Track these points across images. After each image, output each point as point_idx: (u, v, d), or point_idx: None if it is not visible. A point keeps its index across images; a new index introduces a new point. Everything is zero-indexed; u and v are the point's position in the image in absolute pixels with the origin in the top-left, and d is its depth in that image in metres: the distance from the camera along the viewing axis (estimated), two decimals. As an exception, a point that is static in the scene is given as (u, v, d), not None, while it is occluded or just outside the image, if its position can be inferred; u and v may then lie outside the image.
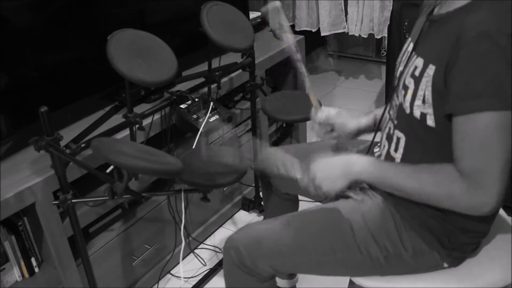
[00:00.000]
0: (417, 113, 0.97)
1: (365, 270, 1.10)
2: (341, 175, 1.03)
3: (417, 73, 0.96)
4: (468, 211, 0.92)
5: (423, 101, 0.95)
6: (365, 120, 1.26)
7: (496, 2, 0.86)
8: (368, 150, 1.24)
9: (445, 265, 1.07)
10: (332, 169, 1.05)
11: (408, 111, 0.99)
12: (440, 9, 0.99)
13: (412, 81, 0.97)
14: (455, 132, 0.89)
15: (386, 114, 1.14)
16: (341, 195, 1.07)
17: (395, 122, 1.07)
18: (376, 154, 1.16)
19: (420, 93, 0.95)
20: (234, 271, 1.18)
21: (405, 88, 1.00)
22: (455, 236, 1.03)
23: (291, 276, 1.60)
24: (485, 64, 0.82)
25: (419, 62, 0.97)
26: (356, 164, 1.03)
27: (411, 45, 1.06)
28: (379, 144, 1.17)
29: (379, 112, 1.24)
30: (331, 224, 1.10)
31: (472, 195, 0.88)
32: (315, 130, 1.27)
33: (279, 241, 1.13)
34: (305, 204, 1.52)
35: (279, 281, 1.58)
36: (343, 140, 1.27)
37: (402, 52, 1.10)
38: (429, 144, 0.99)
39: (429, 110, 0.94)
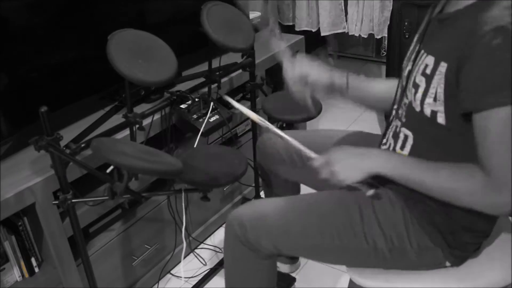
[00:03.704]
0: (427, 111, 0.97)
1: (367, 261, 1.09)
2: (360, 167, 1.02)
3: (428, 71, 0.96)
4: (488, 209, 0.91)
5: (435, 99, 0.94)
6: (338, 75, 1.23)
7: None
8: (380, 143, 1.24)
9: (448, 263, 1.07)
10: (352, 160, 1.03)
11: (418, 109, 0.99)
12: (449, 8, 0.99)
13: (423, 79, 0.97)
14: (476, 129, 0.88)
15: (393, 113, 1.14)
16: (352, 187, 1.05)
17: (403, 120, 1.07)
18: None
19: (431, 91, 0.95)
20: (235, 245, 1.17)
21: (416, 86, 0.99)
22: (458, 234, 1.03)
23: (293, 260, 1.59)
24: (501, 58, 0.82)
25: (429, 60, 0.96)
26: (376, 158, 1.01)
27: (419, 45, 1.06)
28: (384, 142, 1.17)
29: (351, 78, 1.23)
30: (340, 209, 1.09)
31: (494, 193, 0.87)
32: (291, 85, 1.22)
33: (285, 220, 1.12)
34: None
35: (281, 266, 1.58)
36: (318, 93, 1.25)
37: (409, 52, 1.10)
38: (438, 141, 0.98)
39: (440, 108, 0.94)
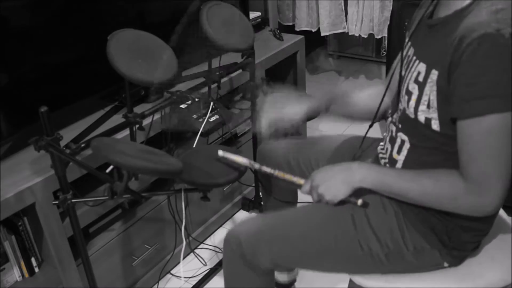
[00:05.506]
0: (421, 118, 0.97)
1: (365, 267, 1.10)
2: (343, 183, 1.04)
3: (420, 78, 0.96)
4: (471, 212, 0.94)
5: (428, 106, 0.95)
6: (313, 104, 1.25)
7: (495, 2, 0.85)
8: (360, 145, 1.26)
9: (446, 264, 1.07)
10: (334, 177, 1.06)
11: (412, 116, 0.99)
12: (438, 13, 0.99)
13: (416, 86, 0.97)
14: (460, 135, 0.89)
15: (389, 118, 1.14)
16: (342, 201, 1.08)
17: (399, 125, 1.07)
18: (380, 155, 1.16)
19: (424, 98, 0.95)
20: (233, 263, 1.17)
21: (409, 93, 1.00)
22: (456, 234, 1.03)
23: (290, 269, 1.59)
24: (488, 65, 0.82)
25: (421, 67, 0.97)
26: (357, 171, 1.04)
27: (412, 50, 1.06)
28: (382, 146, 1.18)
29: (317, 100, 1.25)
30: (333, 219, 1.10)
31: (476, 197, 0.89)
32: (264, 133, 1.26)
33: (280, 235, 1.13)
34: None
35: (278, 275, 1.58)
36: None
37: (402, 56, 1.10)
38: (434, 147, 0.99)
39: (434, 115, 0.94)
